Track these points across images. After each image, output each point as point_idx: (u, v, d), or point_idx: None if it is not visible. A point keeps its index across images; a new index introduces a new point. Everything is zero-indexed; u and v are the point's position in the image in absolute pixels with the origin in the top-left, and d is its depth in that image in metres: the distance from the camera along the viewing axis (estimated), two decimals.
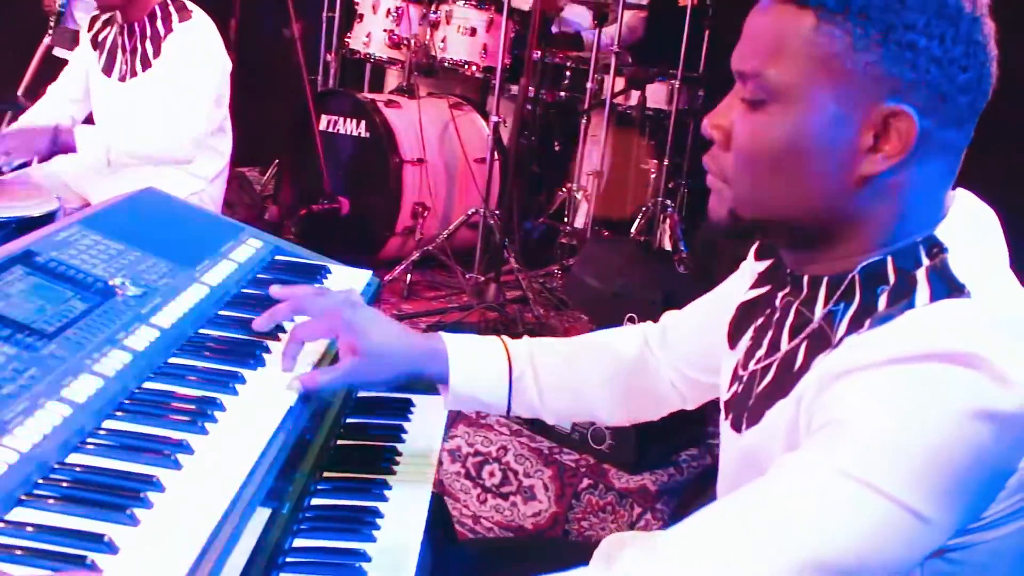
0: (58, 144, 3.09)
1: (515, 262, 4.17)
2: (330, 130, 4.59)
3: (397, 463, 1.55)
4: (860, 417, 0.94)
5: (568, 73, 4.85)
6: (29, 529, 0.91)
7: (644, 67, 4.85)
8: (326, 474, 1.50)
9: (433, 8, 4.70)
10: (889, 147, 1.01)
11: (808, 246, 1.11)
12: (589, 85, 4.63)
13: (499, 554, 1.62)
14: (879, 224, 1.06)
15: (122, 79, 3.32)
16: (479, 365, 1.45)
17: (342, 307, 1.40)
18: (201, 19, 3.31)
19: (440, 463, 2.68)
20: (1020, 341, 0.95)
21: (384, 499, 1.44)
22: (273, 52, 5.49)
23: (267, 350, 1.37)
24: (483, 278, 4.18)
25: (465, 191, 4.67)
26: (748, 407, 1.17)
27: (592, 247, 3.58)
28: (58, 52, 4.14)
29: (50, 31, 4.08)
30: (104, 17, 3.43)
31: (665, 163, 4.82)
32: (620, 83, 4.70)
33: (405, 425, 1.66)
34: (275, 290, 1.43)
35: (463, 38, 4.68)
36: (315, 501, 1.43)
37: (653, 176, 4.91)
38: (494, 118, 4.38)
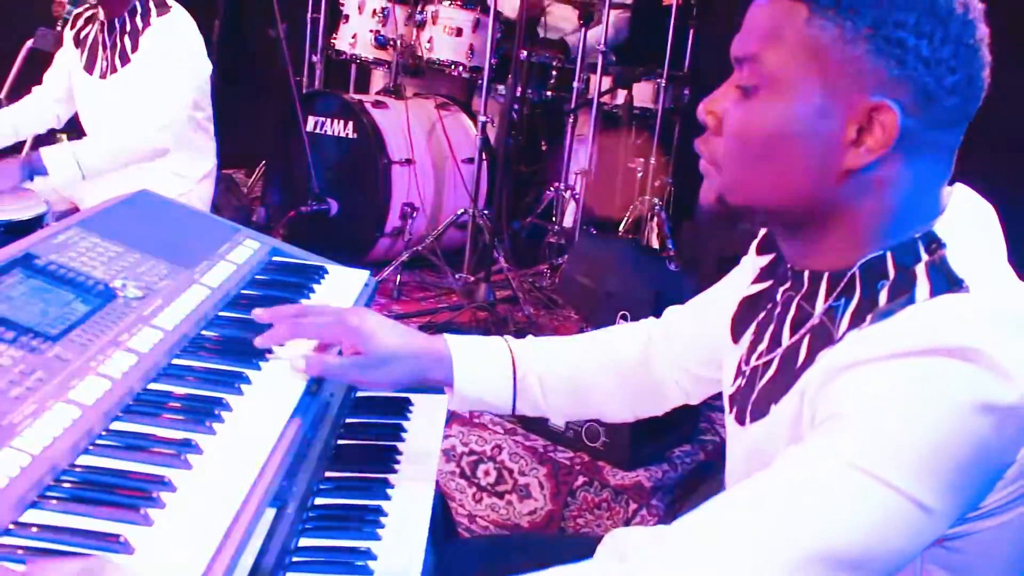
0: (33, 171, 3.08)
1: (504, 262, 4.18)
2: (317, 131, 4.58)
3: (398, 462, 1.55)
4: (864, 410, 0.95)
5: (554, 73, 4.85)
6: (43, 531, 0.91)
7: (630, 66, 4.86)
8: (328, 474, 1.50)
9: (419, 8, 4.70)
10: (871, 141, 1.03)
11: (798, 237, 1.13)
12: (576, 84, 4.63)
13: (502, 550, 1.62)
14: (868, 218, 1.08)
15: (103, 76, 3.32)
16: (483, 366, 1.47)
17: (345, 311, 1.42)
18: (179, 14, 3.31)
19: None
20: (1019, 335, 0.96)
21: (387, 497, 1.45)
22: (258, 53, 5.48)
23: (270, 350, 1.37)
24: (473, 278, 4.19)
25: (453, 191, 4.67)
26: (752, 401, 1.18)
27: (583, 245, 3.58)
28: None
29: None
30: (87, 15, 3.42)
31: (652, 161, 4.83)
32: (606, 82, 4.71)
33: (405, 424, 1.67)
34: (258, 313, 1.41)
35: (449, 38, 4.68)
36: (319, 500, 1.43)
37: (640, 175, 4.92)
38: (482, 118, 4.38)
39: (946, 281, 1.01)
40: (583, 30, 4.59)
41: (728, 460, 1.29)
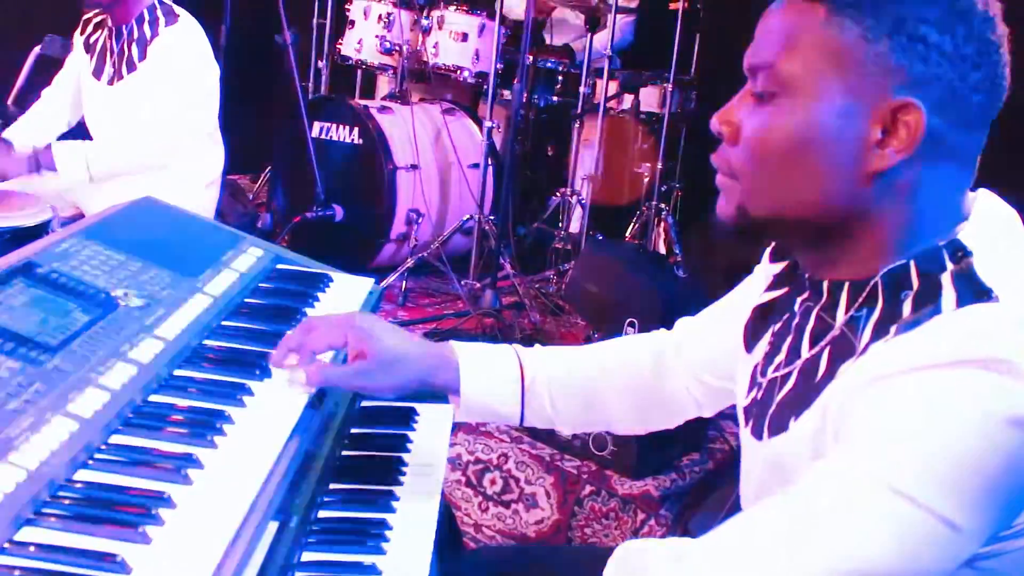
0: (39, 166, 3.07)
1: (510, 268, 4.16)
2: (323, 137, 4.57)
3: (404, 473, 1.53)
4: (889, 425, 0.92)
5: (561, 78, 4.83)
6: (38, 550, 0.89)
7: (636, 71, 4.84)
8: (332, 486, 1.47)
9: (425, 14, 4.69)
10: (897, 142, 1.00)
11: (819, 247, 1.10)
12: (582, 89, 4.61)
13: (509, 563, 1.60)
14: (892, 225, 1.05)
15: (110, 82, 3.31)
16: (490, 372, 1.43)
17: (349, 315, 1.39)
18: (188, 23, 3.29)
19: None
20: None
21: (392, 510, 1.42)
22: (264, 59, 5.47)
23: None
24: (479, 284, 4.17)
25: (459, 197, 4.65)
26: (770, 415, 1.15)
27: (590, 252, 3.56)
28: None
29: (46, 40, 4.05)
30: (96, 20, 3.40)
31: (659, 166, 4.80)
32: (613, 87, 4.68)
33: (410, 435, 1.64)
34: (274, 360, 1.36)
35: (455, 43, 4.67)
36: (322, 513, 1.40)
37: (647, 179, 4.90)
38: (488, 123, 4.36)
39: (973, 290, 0.98)
40: (589, 35, 4.57)
41: (744, 475, 1.26)
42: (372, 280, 1.76)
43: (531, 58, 4.48)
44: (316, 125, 4.57)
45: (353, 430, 1.64)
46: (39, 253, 1.37)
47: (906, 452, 0.91)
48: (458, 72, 4.68)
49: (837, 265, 1.09)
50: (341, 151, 4.52)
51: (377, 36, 4.77)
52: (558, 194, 4.80)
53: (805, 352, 1.12)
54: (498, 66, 4.42)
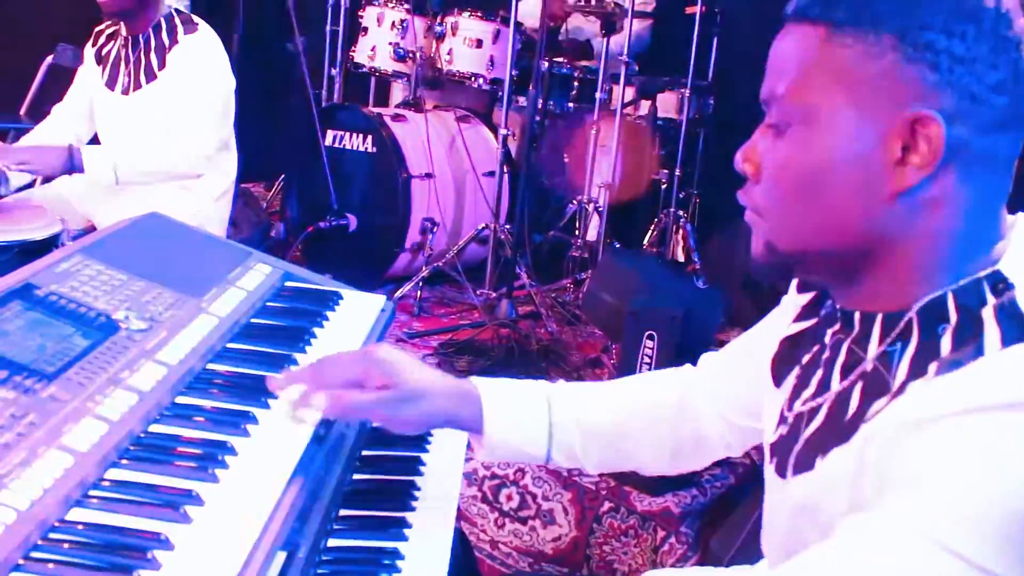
0: (73, 163, 3.05)
1: (527, 277, 4.10)
2: (336, 145, 4.53)
3: (416, 498, 1.48)
4: (935, 474, 0.86)
5: (576, 84, 4.77)
6: None
7: (654, 76, 4.79)
8: (343, 512, 1.42)
9: (439, 20, 4.65)
10: (918, 157, 0.95)
11: (850, 277, 1.04)
12: (598, 95, 4.55)
13: None
14: (924, 247, 0.99)
15: (125, 92, 3.28)
16: (516, 416, 1.37)
17: (369, 347, 1.35)
18: (206, 33, 3.26)
19: None
20: None
21: (404, 538, 1.37)
22: (277, 67, 5.44)
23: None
24: (494, 294, 4.12)
25: (474, 205, 4.60)
26: (796, 452, 1.09)
27: (607, 262, 3.51)
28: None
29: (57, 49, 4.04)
30: (108, 31, 3.38)
31: (677, 173, 4.75)
32: (629, 93, 4.63)
33: (423, 457, 1.59)
34: (275, 385, 1.29)
35: (469, 50, 4.62)
36: (332, 542, 1.35)
37: (664, 186, 4.84)
38: (503, 131, 4.31)
39: (1019, 328, 0.91)
40: (605, 39, 4.52)
41: (767, 515, 1.20)
42: (383, 298, 1.70)
43: (546, 64, 4.43)
44: (329, 133, 4.53)
45: (364, 452, 1.59)
46: (38, 274, 1.33)
47: (951, 503, 0.85)
48: (473, 79, 4.64)
49: (868, 295, 1.04)
50: (355, 160, 4.47)
51: (391, 43, 4.72)
52: (575, 202, 4.75)
53: (835, 386, 1.06)
54: (513, 72, 4.37)
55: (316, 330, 1.51)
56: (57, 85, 3.63)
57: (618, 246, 4.67)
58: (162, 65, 3.21)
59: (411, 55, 4.67)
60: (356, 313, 1.63)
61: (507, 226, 4.26)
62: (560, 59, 4.74)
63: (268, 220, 4.83)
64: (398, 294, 4.12)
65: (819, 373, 1.10)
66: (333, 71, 5.56)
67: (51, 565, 0.88)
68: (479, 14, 4.62)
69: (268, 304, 1.56)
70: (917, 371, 0.95)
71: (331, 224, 4.35)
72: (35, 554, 0.88)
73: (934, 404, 0.89)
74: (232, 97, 3.34)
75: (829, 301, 1.14)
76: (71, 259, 1.40)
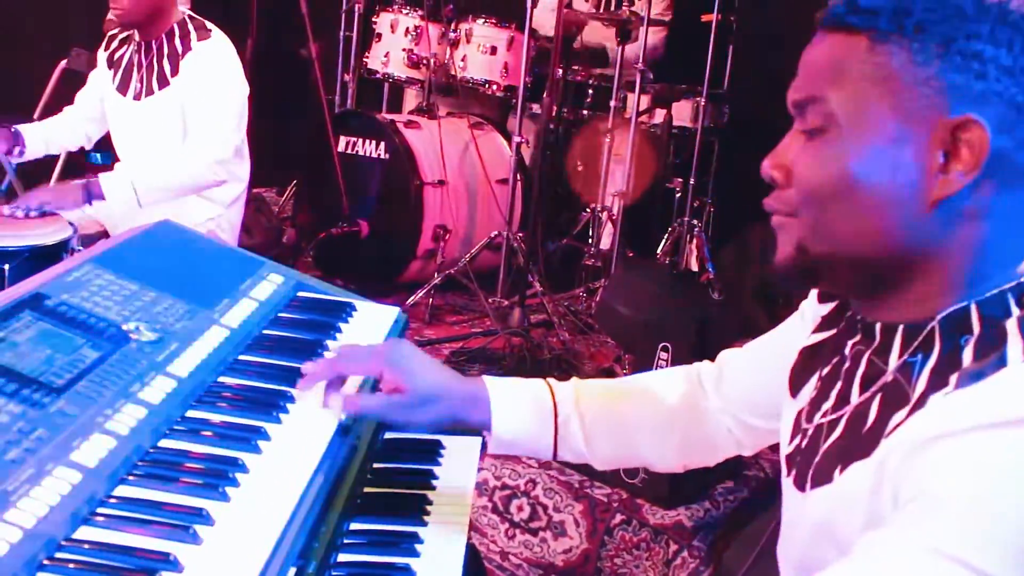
0: (92, 194, 3.05)
1: (539, 285, 4.08)
2: (349, 151, 4.51)
3: (428, 512, 1.46)
4: (953, 489, 0.85)
5: (591, 91, 4.75)
6: None
7: (669, 84, 4.76)
8: (354, 526, 1.40)
9: (453, 27, 4.63)
10: (961, 164, 0.94)
11: (878, 286, 1.03)
12: (613, 103, 4.53)
13: None
14: (956, 260, 0.98)
15: (137, 97, 3.26)
16: (523, 412, 1.38)
17: (384, 346, 1.37)
18: (220, 39, 3.24)
19: None
20: None
21: (416, 554, 1.35)
22: (290, 72, 5.43)
23: (291, 399, 1.28)
24: (507, 302, 4.10)
25: (487, 213, 4.58)
26: (814, 464, 1.07)
27: (621, 272, 3.49)
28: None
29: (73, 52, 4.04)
30: (121, 36, 3.37)
31: (691, 182, 4.72)
32: (644, 101, 4.61)
33: (436, 470, 1.57)
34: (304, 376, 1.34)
35: (483, 57, 4.61)
36: (343, 557, 1.33)
37: (678, 195, 4.81)
38: (516, 138, 4.29)
39: None
40: (620, 47, 4.50)
41: (785, 529, 1.18)
42: (397, 309, 1.68)
43: (561, 71, 4.41)
44: (342, 139, 4.52)
45: (376, 464, 1.57)
46: (49, 283, 1.31)
47: (970, 518, 0.83)
48: (486, 86, 4.62)
49: (892, 306, 1.03)
50: (367, 166, 4.46)
51: (404, 49, 4.71)
52: (588, 210, 4.73)
53: (855, 398, 1.05)
54: (527, 80, 4.35)
55: (329, 342, 1.49)
56: (71, 89, 3.62)
57: (631, 255, 4.64)
58: (175, 72, 3.20)
59: (425, 62, 4.65)
60: (370, 324, 1.61)
61: (520, 234, 4.24)
62: (575, 67, 4.72)
63: (280, 226, 4.82)
64: (410, 301, 4.10)
65: (839, 385, 1.09)
66: (346, 77, 5.55)
67: None
68: (493, 21, 4.61)
69: (280, 315, 1.54)
70: (937, 382, 0.94)
71: (343, 230, 4.34)
72: (41, 574, 0.86)
73: (953, 418, 0.88)
74: (245, 103, 3.32)
75: (850, 312, 1.13)
76: (82, 268, 1.38)
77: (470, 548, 1.47)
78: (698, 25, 4.85)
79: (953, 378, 0.92)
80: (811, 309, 1.25)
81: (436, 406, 1.32)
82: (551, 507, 2.74)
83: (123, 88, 3.30)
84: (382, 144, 4.42)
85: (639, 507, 2.67)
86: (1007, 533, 0.82)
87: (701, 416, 1.43)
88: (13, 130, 3.26)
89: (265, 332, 1.47)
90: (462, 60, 4.62)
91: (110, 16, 3.86)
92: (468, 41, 4.61)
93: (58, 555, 0.89)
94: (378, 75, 4.88)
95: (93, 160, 4.14)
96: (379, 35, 4.84)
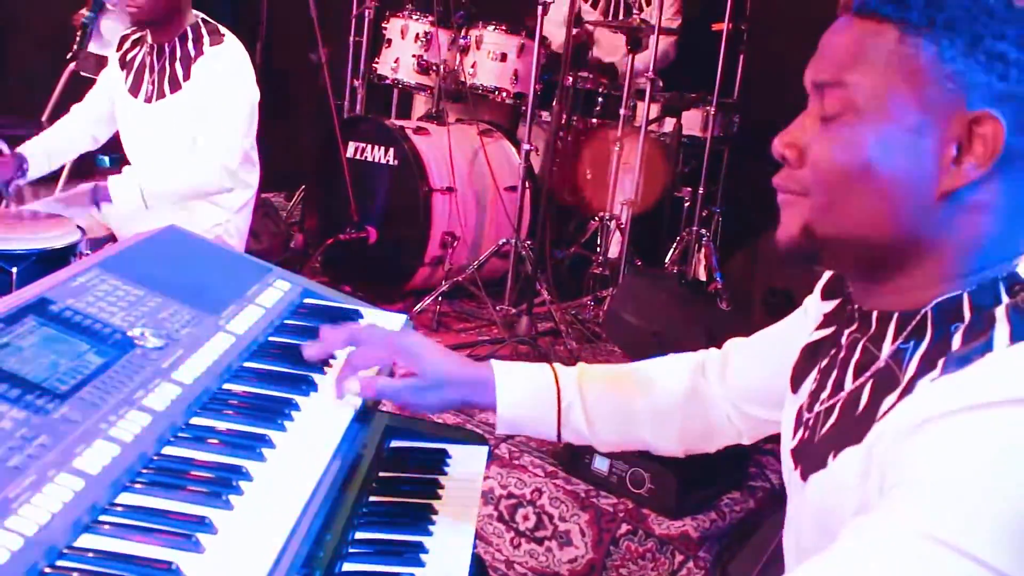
0: (99, 197, 3.05)
1: (547, 293, 4.07)
2: (357, 157, 4.50)
3: (434, 522, 1.45)
4: (937, 471, 0.86)
5: (600, 99, 4.74)
6: None
7: (679, 93, 4.76)
8: (359, 535, 1.39)
9: (463, 33, 4.63)
10: (974, 156, 0.96)
11: (878, 272, 1.05)
12: (622, 112, 4.52)
13: None
14: (955, 250, 1.00)
15: (148, 100, 3.26)
16: (526, 395, 1.45)
17: (396, 334, 1.43)
18: (233, 45, 3.24)
19: None
20: None
21: (421, 564, 1.34)
22: (300, 77, 5.44)
23: (297, 408, 1.27)
24: (514, 310, 4.09)
25: (495, 220, 4.57)
26: (811, 451, 1.10)
27: (630, 282, 3.48)
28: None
29: (75, 47, 4.03)
30: (134, 37, 3.37)
31: (700, 191, 4.71)
32: (654, 109, 4.60)
33: (441, 479, 1.56)
34: (309, 354, 1.41)
35: (493, 64, 4.61)
36: (348, 566, 1.32)
37: (687, 204, 4.80)
38: (525, 146, 4.29)
39: None
40: (630, 56, 4.49)
41: (789, 519, 1.20)
42: (404, 316, 1.68)
43: (571, 80, 4.40)
44: (351, 145, 4.51)
45: (382, 473, 1.56)
46: (54, 288, 1.30)
47: (955, 500, 0.84)
48: (496, 93, 4.61)
49: (889, 294, 1.05)
50: (376, 172, 4.45)
51: (414, 55, 4.71)
52: (597, 218, 4.72)
53: (849, 385, 1.07)
54: (537, 87, 4.34)
55: (335, 350, 1.48)
56: (79, 92, 3.62)
57: (640, 264, 4.63)
58: (187, 76, 3.19)
59: (435, 68, 4.65)
60: None
61: (528, 242, 4.23)
62: (585, 74, 4.71)
63: (288, 231, 4.81)
64: (417, 308, 4.09)
65: (835, 373, 1.11)
66: (356, 82, 5.54)
67: None
68: (504, 28, 4.61)
69: (286, 322, 1.53)
70: (926, 367, 0.96)
71: (351, 236, 4.33)
72: None
73: (938, 402, 0.89)
74: (256, 109, 3.32)
75: (849, 305, 1.14)
76: (88, 273, 1.38)
77: (475, 557, 1.47)
78: (709, 34, 4.84)
79: (940, 362, 0.94)
80: (814, 306, 1.28)
81: (446, 389, 1.40)
82: (557, 516, 2.72)
83: (135, 90, 3.30)
84: (391, 150, 4.41)
85: (645, 517, 2.66)
86: (993, 513, 0.83)
87: (702, 403, 1.46)
88: (17, 154, 3.24)
89: (271, 339, 1.47)
90: (472, 67, 4.61)
91: (80, 12, 3.88)
92: (478, 48, 4.61)
93: (59, 563, 0.88)
94: (388, 81, 4.88)
95: (101, 164, 4.14)
96: (389, 41, 4.84)
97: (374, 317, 1.66)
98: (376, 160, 4.45)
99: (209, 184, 3.18)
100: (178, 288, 1.43)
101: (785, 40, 4.59)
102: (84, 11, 3.94)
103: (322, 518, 1.14)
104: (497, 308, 4.16)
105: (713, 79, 4.62)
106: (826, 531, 1.02)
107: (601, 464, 2.75)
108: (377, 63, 4.92)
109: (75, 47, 3.92)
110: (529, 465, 2.86)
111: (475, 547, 1.44)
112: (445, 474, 1.58)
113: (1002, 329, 0.93)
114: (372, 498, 1.49)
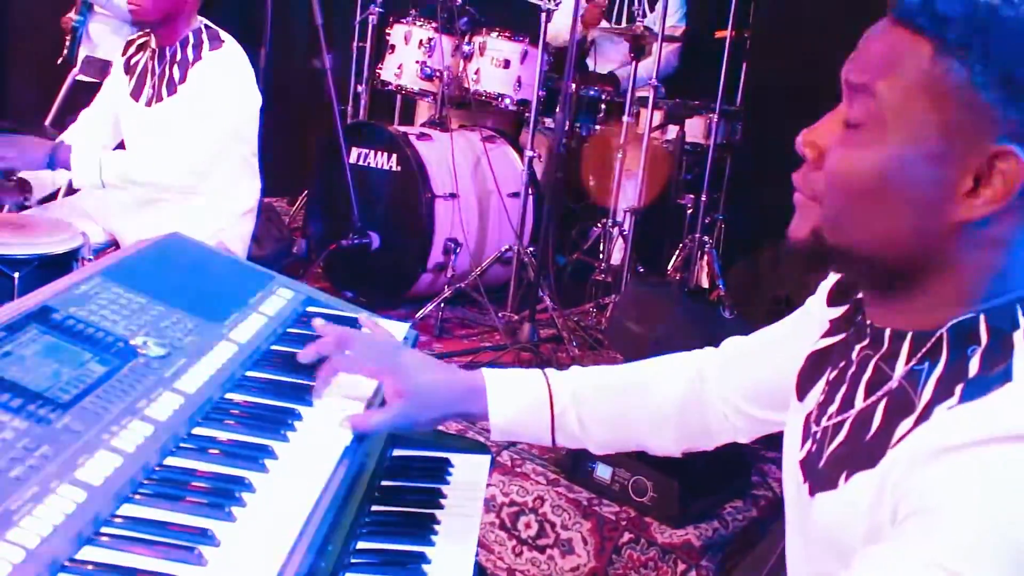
0: (56, 159, 3.00)
1: (549, 300, 4.07)
2: (360, 163, 4.50)
3: (436, 532, 1.45)
4: (953, 504, 0.84)
5: (603, 106, 4.74)
6: None
7: (682, 100, 4.75)
8: (361, 544, 1.39)
9: (466, 40, 4.62)
10: (990, 192, 0.93)
11: (889, 289, 1.03)
12: (626, 119, 4.52)
13: None
14: (970, 279, 0.98)
15: (148, 104, 3.26)
16: (518, 402, 1.45)
17: (387, 349, 1.44)
18: (232, 50, 3.23)
19: None
20: None
21: (423, 574, 1.34)
22: (303, 82, 5.44)
23: (298, 417, 1.27)
24: (517, 317, 4.08)
25: (498, 227, 4.57)
26: (819, 467, 1.08)
27: (633, 289, 3.47)
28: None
29: (65, 51, 4.03)
30: (139, 42, 3.37)
31: (703, 199, 4.70)
32: (657, 116, 4.60)
33: (444, 488, 1.56)
34: (304, 354, 1.42)
35: (497, 70, 4.60)
36: None
37: (690, 212, 4.80)
38: (528, 152, 4.28)
39: None
40: (634, 63, 4.49)
41: (790, 532, 1.19)
42: (407, 325, 1.67)
43: (574, 86, 4.40)
44: (354, 151, 4.51)
45: (384, 483, 1.56)
46: (56, 296, 1.30)
47: (970, 533, 0.83)
48: (499, 99, 4.61)
49: (903, 312, 1.02)
50: (379, 178, 4.45)
51: (418, 61, 4.71)
52: (599, 225, 4.71)
53: (859, 403, 1.05)
54: (540, 94, 4.34)
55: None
56: (83, 97, 3.62)
57: (642, 271, 4.62)
58: (183, 79, 3.19)
59: (438, 74, 4.65)
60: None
61: (531, 248, 4.22)
62: (588, 82, 4.71)
63: (290, 236, 4.80)
64: (419, 314, 4.09)
65: (844, 388, 1.09)
66: (359, 88, 5.55)
67: None
68: (507, 34, 4.60)
69: (290, 331, 1.53)
70: (943, 392, 0.93)
71: (353, 242, 4.32)
72: None
73: (957, 432, 0.87)
74: (256, 115, 3.30)
75: (860, 317, 1.12)
76: (90, 281, 1.37)
77: (477, 566, 1.46)
78: (712, 41, 4.84)
79: (958, 389, 0.92)
80: (820, 311, 1.25)
81: (437, 404, 1.40)
82: (559, 524, 2.72)
83: (136, 94, 3.30)
84: (394, 156, 4.41)
85: (647, 526, 2.65)
86: (1008, 548, 0.82)
87: (699, 403, 1.44)
88: (23, 180, 3.22)
89: (274, 348, 1.46)
90: (475, 73, 4.61)
91: (68, 15, 3.87)
92: (482, 54, 4.61)
93: None
94: (391, 87, 4.88)
95: None
96: (392, 47, 4.83)
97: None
98: (379, 166, 4.45)
99: (168, 179, 3.12)
100: (181, 296, 1.43)
101: (788, 48, 4.60)
102: (72, 14, 3.93)
103: (325, 529, 1.13)
104: (499, 315, 4.16)
105: (716, 87, 4.61)
106: (832, 550, 1.02)
107: (604, 472, 2.74)
108: (380, 69, 4.92)
109: (65, 51, 3.92)
110: (531, 473, 2.86)
111: (477, 555, 1.44)
112: (447, 483, 1.58)
113: (1021, 357, 0.91)
114: (374, 507, 1.49)
